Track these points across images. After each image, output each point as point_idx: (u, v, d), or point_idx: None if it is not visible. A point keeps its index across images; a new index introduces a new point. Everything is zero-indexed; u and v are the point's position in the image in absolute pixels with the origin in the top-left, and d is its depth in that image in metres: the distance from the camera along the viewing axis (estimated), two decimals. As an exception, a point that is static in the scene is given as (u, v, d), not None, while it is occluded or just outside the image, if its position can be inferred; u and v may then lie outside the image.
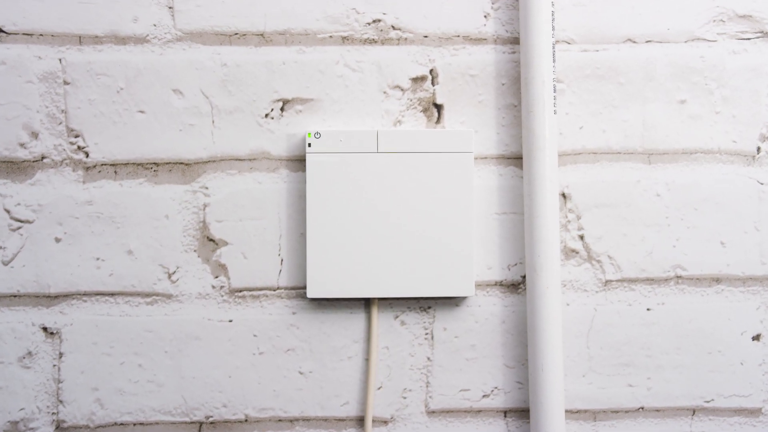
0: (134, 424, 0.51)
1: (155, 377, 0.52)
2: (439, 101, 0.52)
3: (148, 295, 0.52)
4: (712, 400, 0.53)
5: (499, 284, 0.52)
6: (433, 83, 0.52)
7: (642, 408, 0.52)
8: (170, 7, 0.51)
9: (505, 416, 0.52)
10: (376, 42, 0.52)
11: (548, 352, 0.48)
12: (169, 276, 0.52)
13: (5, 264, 0.51)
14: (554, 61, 0.50)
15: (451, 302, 0.52)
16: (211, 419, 0.51)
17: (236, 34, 0.52)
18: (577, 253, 0.52)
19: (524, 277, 0.52)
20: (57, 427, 0.51)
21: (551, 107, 0.49)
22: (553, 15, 0.50)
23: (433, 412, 0.52)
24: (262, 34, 0.52)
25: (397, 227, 0.50)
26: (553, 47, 0.50)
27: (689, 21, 0.53)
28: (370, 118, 0.52)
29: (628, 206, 0.52)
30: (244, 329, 0.52)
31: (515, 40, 0.52)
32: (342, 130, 0.51)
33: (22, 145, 0.51)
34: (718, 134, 0.53)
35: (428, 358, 0.52)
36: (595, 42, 0.53)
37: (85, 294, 0.52)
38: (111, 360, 0.51)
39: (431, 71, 0.52)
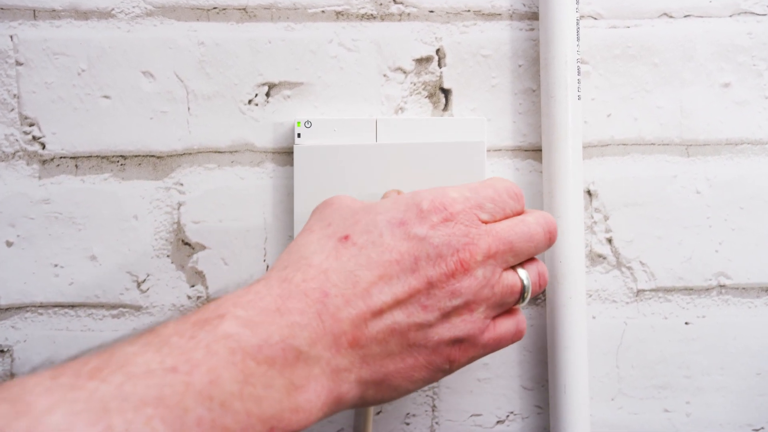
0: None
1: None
2: (446, 85, 0.50)
3: (114, 306, 0.49)
4: (762, 428, 0.51)
5: None
6: (439, 65, 0.50)
7: (679, 436, 0.51)
8: (140, -22, 0.49)
9: (522, 445, 0.51)
10: (375, 18, 0.50)
11: (572, 371, 0.46)
12: (139, 285, 0.49)
13: (-50, 271, 0.49)
14: (578, 39, 0.47)
15: None
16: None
17: (215, 8, 0.49)
18: (605, 258, 0.50)
19: None
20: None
21: (575, 92, 0.47)
22: (577, -15, 0.48)
23: (440, 440, 0.50)
24: (244, 9, 0.49)
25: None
26: (577, 23, 0.47)
27: (733, -7, 0.51)
28: (368, 105, 0.50)
29: (663, 205, 0.50)
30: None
31: (534, 15, 0.50)
32: (336, 118, 0.48)
33: (-31, 135, 0.49)
34: None
35: None
36: (626, 17, 0.50)
37: (41, 306, 0.49)
38: (71, 381, 0.48)
39: (438, 51, 0.50)
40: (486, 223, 0.34)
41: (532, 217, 0.36)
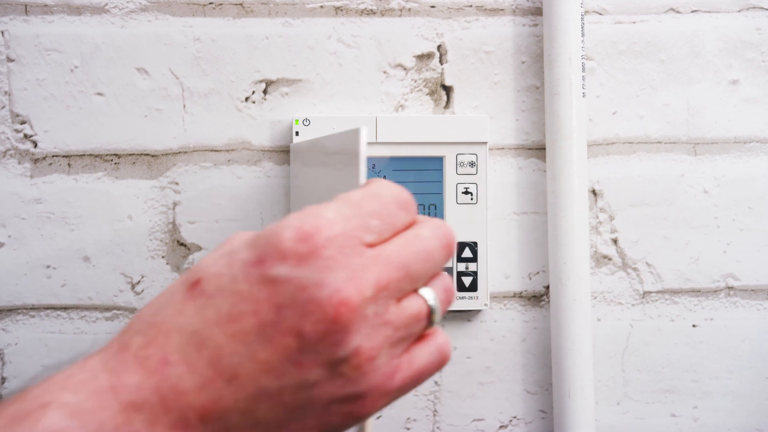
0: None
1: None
2: (448, 82, 0.50)
3: (107, 308, 0.49)
4: (771, 433, 0.51)
5: (519, 296, 0.51)
6: (441, 61, 0.50)
7: (686, 441, 0.51)
8: (134, -28, 0.49)
9: (525, 451, 0.51)
10: (374, 13, 0.49)
11: (576, 375, 0.46)
12: (133, 286, 0.49)
13: (-60, 273, 0.49)
14: (583, 35, 0.47)
15: (462, 317, 0.50)
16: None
17: (211, 3, 0.49)
18: (610, 259, 0.50)
19: (548, 287, 0.50)
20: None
21: (579, 89, 0.47)
22: (582, -20, 0.48)
23: (442, 446, 0.51)
24: (241, 4, 0.49)
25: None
26: (582, 18, 0.47)
27: (742, -13, 0.51)
28: (367, 103, 0.50)
29: (669, 205, 0.50)
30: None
31: (537, 11, 0.50)
32: (335, 116, 0.48)
33: (-41, 133, 0.49)
34: (777, 120, 0.51)
35: (435, 383, 0.50)
36: (632, 12, 0.50)
37: (33, 308, 0.49)
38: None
39: (439, 47, 0.50)
40: (373, 245, 0.27)
41: (427, 230, 0.29)
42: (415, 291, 0.29)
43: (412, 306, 0.28)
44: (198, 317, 0.26)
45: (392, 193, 0.29)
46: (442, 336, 0.30)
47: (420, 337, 0.29)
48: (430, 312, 0.29)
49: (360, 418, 0.28)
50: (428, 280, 0.29)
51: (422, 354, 0.29)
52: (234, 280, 0.26)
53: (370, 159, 0.47)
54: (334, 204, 0.27)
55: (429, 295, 0.29)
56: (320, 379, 0.26)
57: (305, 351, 0.25)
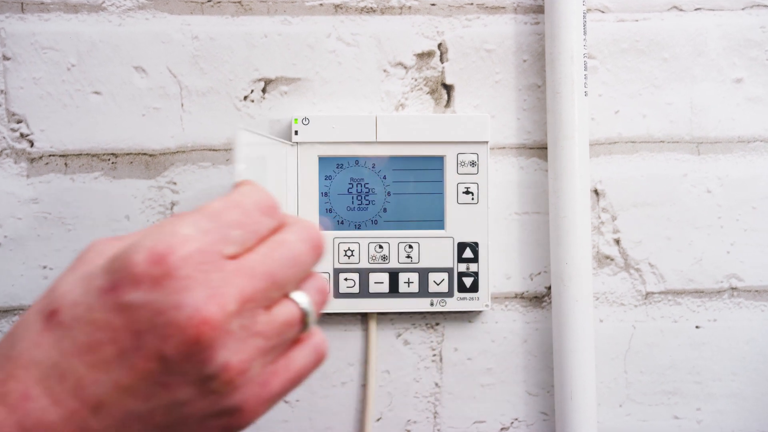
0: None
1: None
2: (448, 81, 0.50)
3: None
4: (776, 436, 0.51)
5: (520, 297, 0.50)
6: (441, 60, 0.49)
7: (690, 444, 0.51)
8: (131, -30, 0.49)
9: (527, 453, 0.51)
10: (374, 11, 0.49)
11: (578, 377, 0.46)
12: None
13: (-64, 273, 0.49)
14: (585, 33, 0.47)
15: (463, 318, 0.50)
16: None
17: (209, 1, 0.48)
18: (612, 260, 0.50)
19: (549, 288, 0.50)
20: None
21: (581, 88, 0.47)
22: (584, -23, 0.47)
23: (442, 448, 0.50)
24: (239, 2, 0.49)
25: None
26: (584, 16, 0.47)
27: (746, -15, 0.51)
28: (367, 102, 0.49)
29: (672, 205, 0.50)
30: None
31: (539, 9, 0.50)
32: (335, 115, 0.48)
33: (-45, 132, 0.48)
34: (780, 120, 0.51)
35: (436, 384, 0.50)
36: (634, 10, 0.50)
37: None
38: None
39: (440, 46, 0.49)
40: (235, 257, 0.27)
41: (293, 234, 0.29)
42: (286, 296, 0.28)
43: (283, 313, 0.28)
44: (57, 349, 0.25)
45: (254, 200, 0.29)
46: (318, 336, 0.30)
47: (296, 340, 0.29)
48: (304, 316, 0.28)
49: (240, 428, 0.28)
50: (300, 282, 0.29)
51: (299, 357, 0.29)
52: (90, 309, 0.25)
53: (369, 159, 0.47)
54: (194, 217, 0.27)
55: (301, 298, 0.29)
56: (191, 398, 0.26)
57: (170, 373, 0.25)
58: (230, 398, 0.27)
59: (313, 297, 0.29)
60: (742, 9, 0.50)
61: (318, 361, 0.30)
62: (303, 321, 0.29)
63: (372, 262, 0.47)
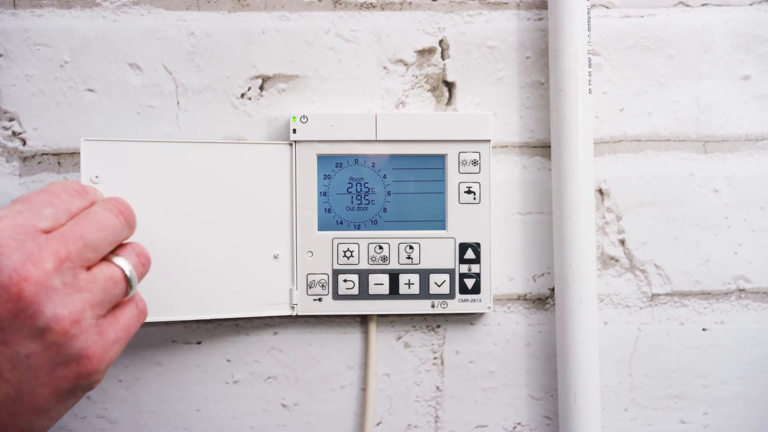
0: (82, 469, 0.49)
1: (107, 412, 0.49)
2: (450, 78, 0.49)
3: None
4: (784, 441, 0.51)
5: (523, 298, 0.50)
6: (443, 57, 0.49)
7: (696, 449, 0.51)
8: (126, -35, 0.48)
9: (530, 458, 0.50)
10: (374, 7, 0.49)
11: (582, 380, 0.46)
12: None
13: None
14: (589, 29, 0.47)
15: (465, 320, 0.50)
16: (174, 462, 0.49)
17: None
18: (617, 261, 0.50)
19: (553, 289, 0.50)
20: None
21: (586, 85, 0.46)
22: (589, -28, 0.47)
23: (444, 453, 0.50)
24: None
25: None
26: (589, 12, 0.46)
27: (753, -20, 0.50)
28: (367, 99, 0.49)
29: (679, 205, 0.50)
30: (215, 353, 0.49)
31: (542, 4, 0.49)
32: (334, 113, 0.48)
33: (-54, 130, 0.48)
34: (789, 118, 0.51)
35: (437, 388, 0.50)
36: (640, 6, 0.49)
37: None
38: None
39: (441, 42, 0.49)
40: (50, 231, 0.32)
41: (99, 206, 0.35)
42: (108, 259, 0.35)
43: (104, 272, 0.34)
44: None
45: (63, 186, 0.35)
46: (140, 299, 0.37)
47: (121, 303, 0.35)
48: (127, 276, 0.35)
49: (90, 376, 0.32)
50: (119, 249, 0.36)
51: (126, 313, 0.35)
52: None
53: (369, 157, 0.47)
54: (10, 204, 0.33)
55: (121, 261, 0.35)
56: (34, 351, 0.30)
57: (5, 330, 0.29)
58: (71, 346, 0.31)
59: (132, 259, 0.36)
60: (750, 4, 0.49)
61: (142, 315, 0.36)
62: (126, 281, 0.35)
63: (372, 263, 0.47)
